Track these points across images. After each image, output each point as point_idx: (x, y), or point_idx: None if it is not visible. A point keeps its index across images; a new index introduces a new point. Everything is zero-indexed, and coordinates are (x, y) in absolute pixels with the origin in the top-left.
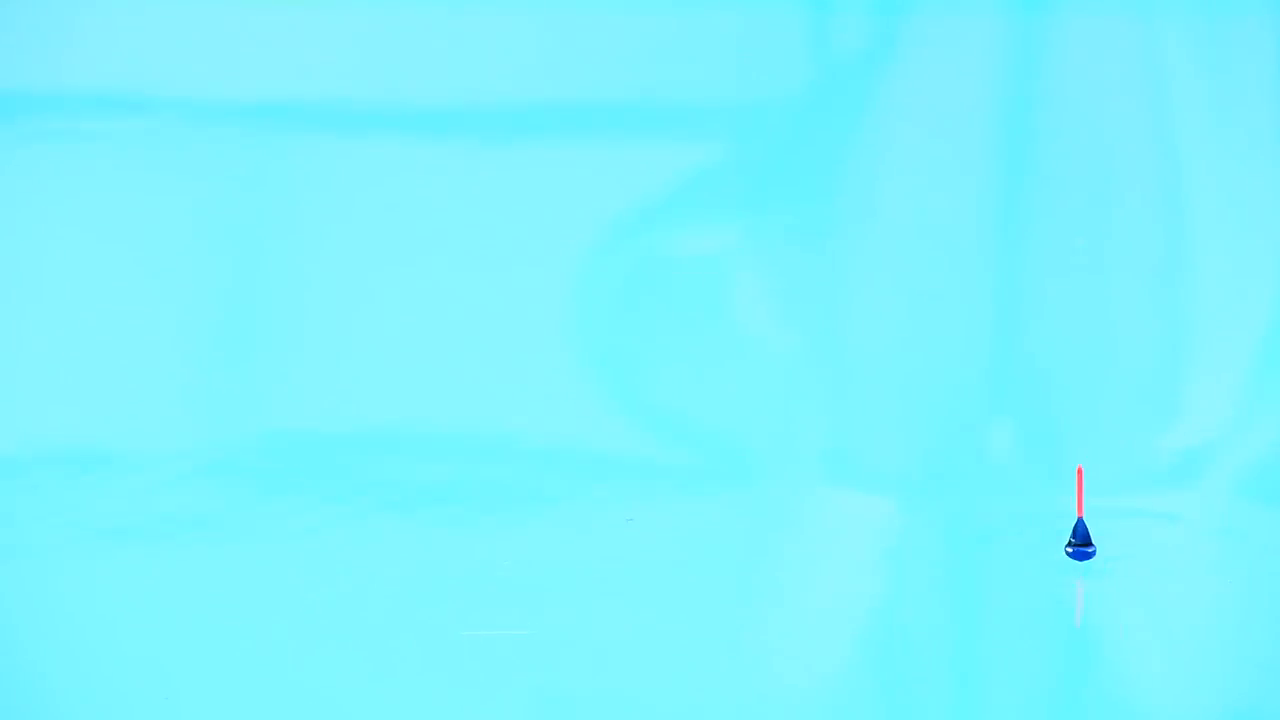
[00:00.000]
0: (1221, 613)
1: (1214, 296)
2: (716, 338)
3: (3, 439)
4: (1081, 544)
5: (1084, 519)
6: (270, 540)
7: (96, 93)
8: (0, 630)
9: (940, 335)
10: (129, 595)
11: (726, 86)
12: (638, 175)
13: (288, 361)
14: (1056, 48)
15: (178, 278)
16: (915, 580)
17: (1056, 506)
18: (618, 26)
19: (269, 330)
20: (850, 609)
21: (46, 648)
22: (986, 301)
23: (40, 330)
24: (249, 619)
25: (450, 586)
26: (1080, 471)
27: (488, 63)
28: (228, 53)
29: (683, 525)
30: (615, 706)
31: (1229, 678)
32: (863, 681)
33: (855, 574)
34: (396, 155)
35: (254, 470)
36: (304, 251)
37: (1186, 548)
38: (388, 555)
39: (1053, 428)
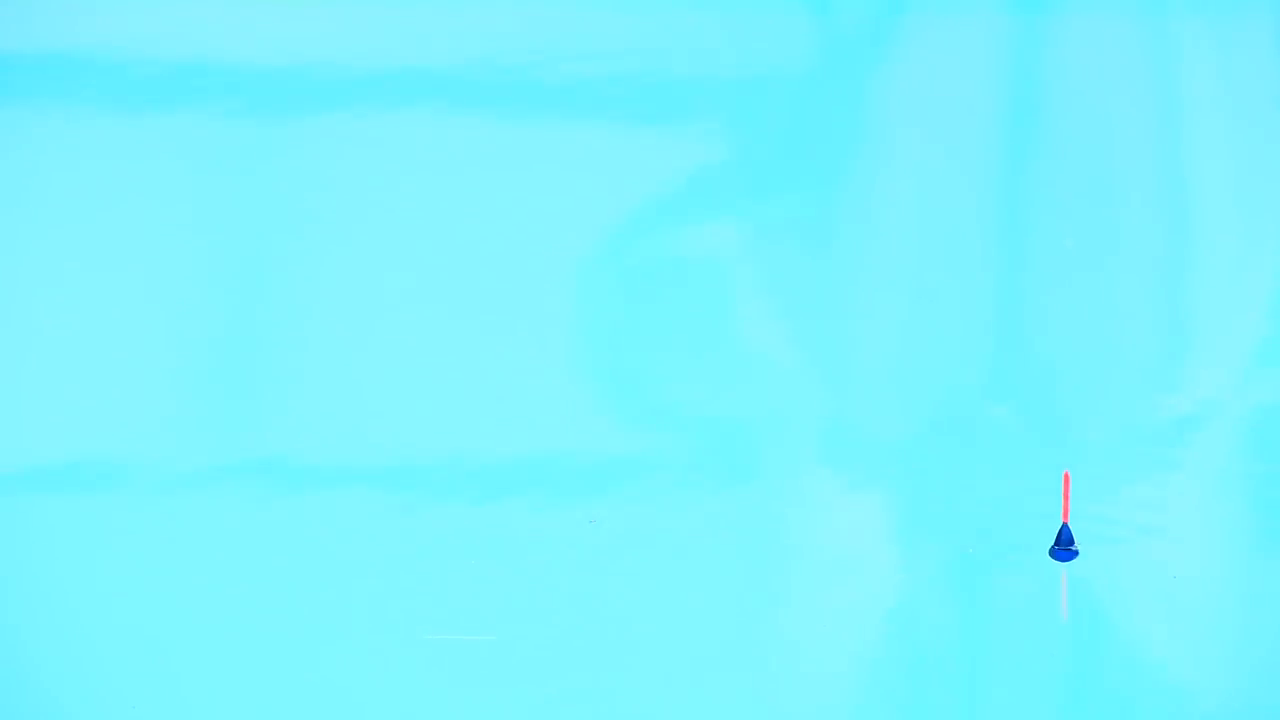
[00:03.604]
0: (1222, 594)
1: (1215, 286)
2: (713, 329)
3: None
4: (1065, 546)
5: (1069, 524)
6: (257, 537)
7: (96, 89)
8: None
9: (939, 324)
10: (125, 598)
11: (727, 76)
12: (636, 164)
13: (286, 355)
14: (1057, 40)
15: (178, 281)
16: (915, 569)
17: (1054, 494)
18: (618, 17)
19: (267, 320)
20: (851, 598)
21: (45, 654)
22: (986, 292)
23: (40, 335)
24: (225, 620)
25: (452, 589)
26: (1067, 477)
27: (488, 51)
28: (228, 43)
29: (679, 518)
30: (616, 696)
31: (1229, 661)
32: (864, 672)
33: (855, 563)
34: (397, 148)
35: (250, 467)
36: (303, 246)
37: (1184, 532)
38: (389, 554)
39: (1051, 414)
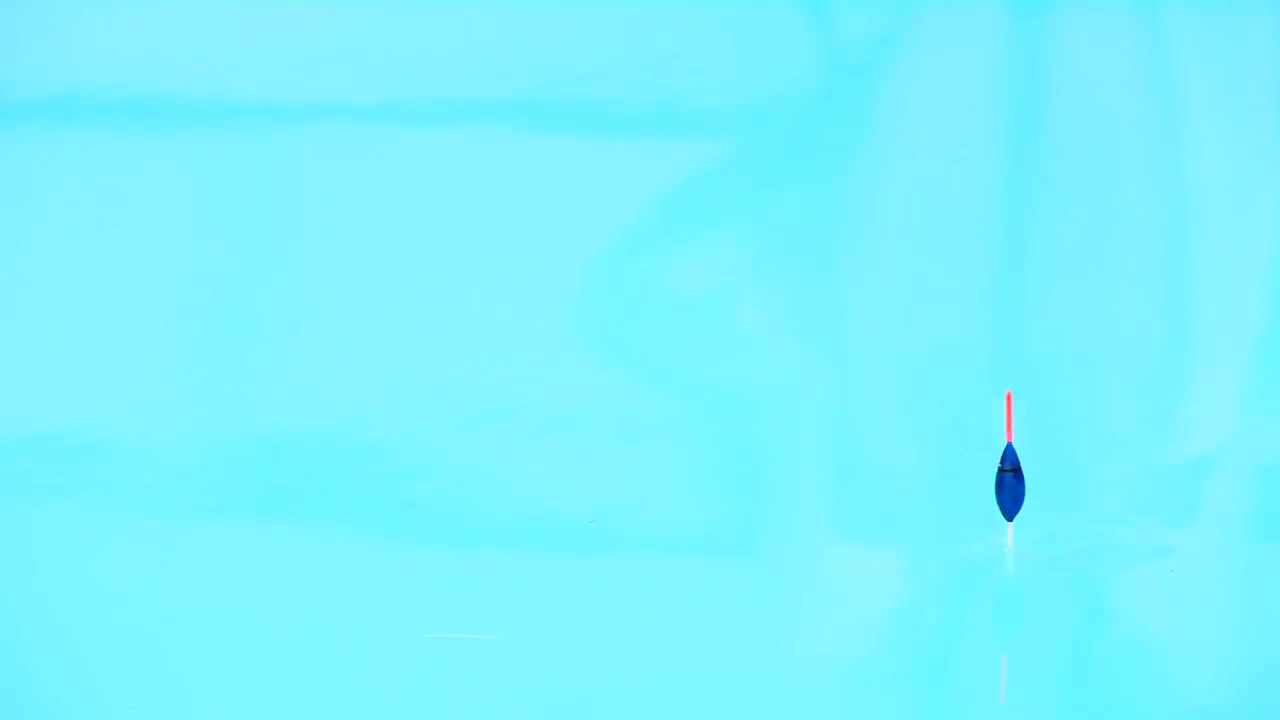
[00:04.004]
0: (1226, 628)
1: (1215, 284)
2: (714, 331)
3: (3, 427)
4: (1011, 469)
5: (1013, 444)
6: (255, 535)
7: (98, 88)
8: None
9: (941, 328)
10: (123, 584)
11: (730, 86)
12: (640, 175)
13: (287, 353)
14: (1059, 44)
15: (179, 272)
16: (913, 575)
17: (1058, 501)
18: (622, 26)
19: (271, 325)
20: (849, 602)
21: (42, 636)
22: (989, 296)
23: (41, 321)
24: (221, 618)
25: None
26: (1009, 397)
27: (492, 62)
28: (230, 50)
29: (678, 518)
30: (616, 696)
31: (1234, 694)
32: (865, 675)
33: (854, 569)
34: (397, 154)
35: (248, 461)
36: (305, 246)
37: (1192, 564)
38: (384, 563)
39: (1054, 415)
